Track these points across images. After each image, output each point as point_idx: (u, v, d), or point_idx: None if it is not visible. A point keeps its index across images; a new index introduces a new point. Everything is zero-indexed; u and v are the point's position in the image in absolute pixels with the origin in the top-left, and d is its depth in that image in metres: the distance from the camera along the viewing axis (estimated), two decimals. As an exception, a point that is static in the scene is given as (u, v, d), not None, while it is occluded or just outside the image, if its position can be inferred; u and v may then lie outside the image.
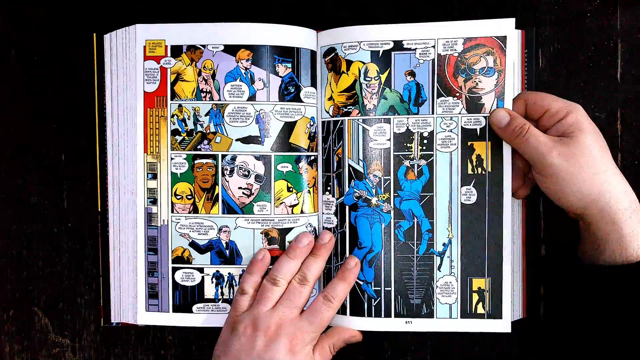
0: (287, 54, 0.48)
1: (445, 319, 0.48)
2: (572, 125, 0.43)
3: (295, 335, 0.44)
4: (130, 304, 0.50)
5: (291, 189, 0.48)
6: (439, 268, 0.48)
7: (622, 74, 0.50)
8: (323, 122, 0.49)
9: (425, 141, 0.48)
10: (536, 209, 0.50)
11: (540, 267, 0.50)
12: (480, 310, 0.48)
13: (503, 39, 0.47)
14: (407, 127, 0.48)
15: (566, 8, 0.50)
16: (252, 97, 0.48)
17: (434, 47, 0.47)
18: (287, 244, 0.48)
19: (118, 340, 0.53)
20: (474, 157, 0.47)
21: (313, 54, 0.49)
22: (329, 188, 0.49)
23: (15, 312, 0.53)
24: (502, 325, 0.48)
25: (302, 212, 0.49)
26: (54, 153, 0.52)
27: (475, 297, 0.48)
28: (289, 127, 0.48)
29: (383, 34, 0.47)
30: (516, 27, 0.47)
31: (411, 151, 0.48)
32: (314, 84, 0.49)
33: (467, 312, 0.48)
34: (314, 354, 0.46)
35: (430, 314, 0.48)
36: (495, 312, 0.48)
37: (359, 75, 0.48)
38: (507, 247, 0.48)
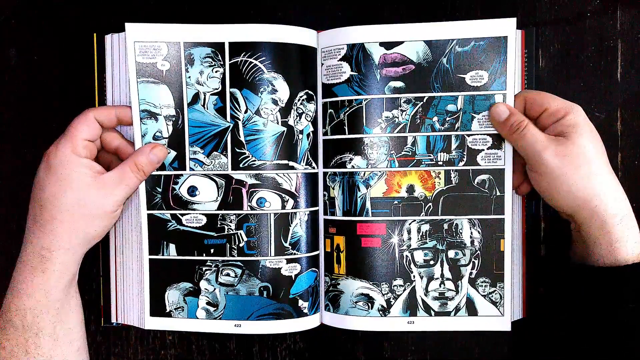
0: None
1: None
2: (569, 126, 0.43)
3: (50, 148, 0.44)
4: (135, 307, 0.50)
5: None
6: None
7: (622, 74, 0.50)
8: None
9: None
10: (536, 209, 0.50)
11: (540, 267, 0.50)
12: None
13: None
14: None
15: (566, 8, 0.50)
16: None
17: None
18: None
19: (118, 340, 0.53)
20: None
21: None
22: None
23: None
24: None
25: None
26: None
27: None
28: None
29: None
30: (516, 27, 0.47)
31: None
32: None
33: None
34: (112, 174, 0.44)
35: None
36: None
37: None
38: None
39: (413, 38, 0.47)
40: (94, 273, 0.51)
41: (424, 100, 0.48)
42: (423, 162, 0.48)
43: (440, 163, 0.48)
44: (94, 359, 0.53)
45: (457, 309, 0.49)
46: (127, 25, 0.47)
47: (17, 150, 0.52)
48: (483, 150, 0.48)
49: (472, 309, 0.49)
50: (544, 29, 0.50)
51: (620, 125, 0.50)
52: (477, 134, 0.48)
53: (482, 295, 0.48)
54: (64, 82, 0.52)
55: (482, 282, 0.48)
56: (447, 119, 0.48)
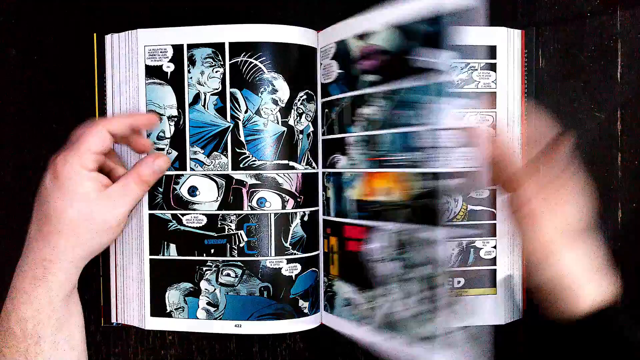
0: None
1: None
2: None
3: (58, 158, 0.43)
4: (135, 307, 0.50)
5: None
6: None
7: (622, 74, 0.50)
8: None
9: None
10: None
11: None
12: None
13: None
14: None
15: (566, 8, 0.50)
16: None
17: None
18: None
19: (118, 340, 0.53)
20: None
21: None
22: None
23: (15, 312, 0.53)
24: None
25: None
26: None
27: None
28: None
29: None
30: (516, 27, 0.47)
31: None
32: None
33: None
34: (116, 187, 0.44)
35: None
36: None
37: None
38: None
39: (384, 24, 0.43)
40: (94, 273, 0.51)
41: (400, 94, 0.43)
42: (400, 163, 0.44)
43: (418, 163, 0.43)
44: (93, 359, 0.53)
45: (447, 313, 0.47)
46: (139, 31, 0.47)
47: (17, 150, 0.52)
48: (460, 149, 0.44)
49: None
50: (544, 29, 0.50)
51: (620, 125, 0.50)
52: (455, 130, 0.45)
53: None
54: (64, 82, 0.52)
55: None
56: (424, 114, 0.42)
